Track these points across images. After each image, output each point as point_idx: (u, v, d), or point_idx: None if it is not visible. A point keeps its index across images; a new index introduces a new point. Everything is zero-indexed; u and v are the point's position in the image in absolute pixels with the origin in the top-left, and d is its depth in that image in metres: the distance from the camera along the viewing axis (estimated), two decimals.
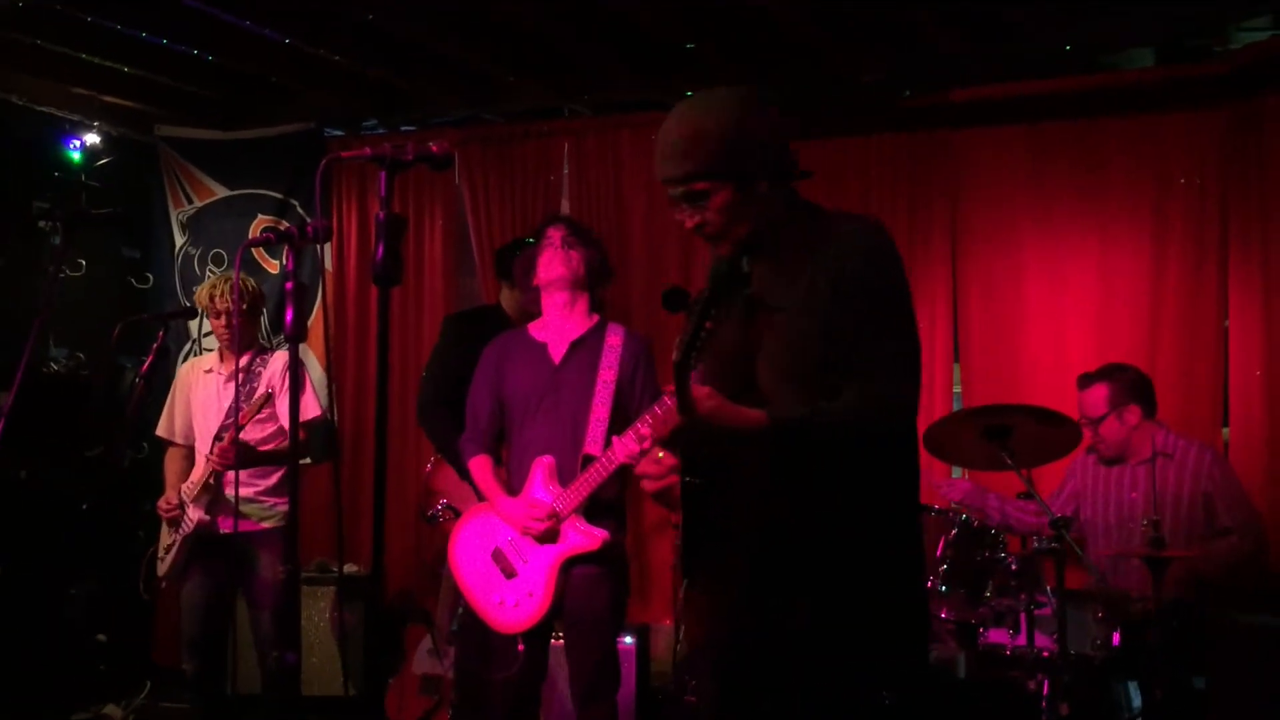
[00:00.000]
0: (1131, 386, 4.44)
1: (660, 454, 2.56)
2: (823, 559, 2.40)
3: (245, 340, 4.55)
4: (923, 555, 2.56)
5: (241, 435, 4.29)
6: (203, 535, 4.41)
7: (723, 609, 2.56)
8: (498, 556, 3.74)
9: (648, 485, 2.56)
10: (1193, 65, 5.05)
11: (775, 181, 2.44)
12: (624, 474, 3.64)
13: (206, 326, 6.16)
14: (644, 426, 3.53)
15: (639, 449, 3.47)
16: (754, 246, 2.47)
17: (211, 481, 4.36)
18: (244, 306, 4.51)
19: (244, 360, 4.54)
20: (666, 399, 3.58)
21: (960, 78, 5.23)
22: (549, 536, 3.64)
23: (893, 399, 2.39)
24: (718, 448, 2.41)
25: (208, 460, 4.37)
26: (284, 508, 4.50)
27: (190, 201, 6.37)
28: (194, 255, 6.33)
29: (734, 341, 2.48)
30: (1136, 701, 3.99)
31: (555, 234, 3.79)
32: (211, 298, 4.48)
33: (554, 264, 3.75)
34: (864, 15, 4.85)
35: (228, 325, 4.48)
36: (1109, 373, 4.48)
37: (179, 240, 6.37)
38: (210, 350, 5.99)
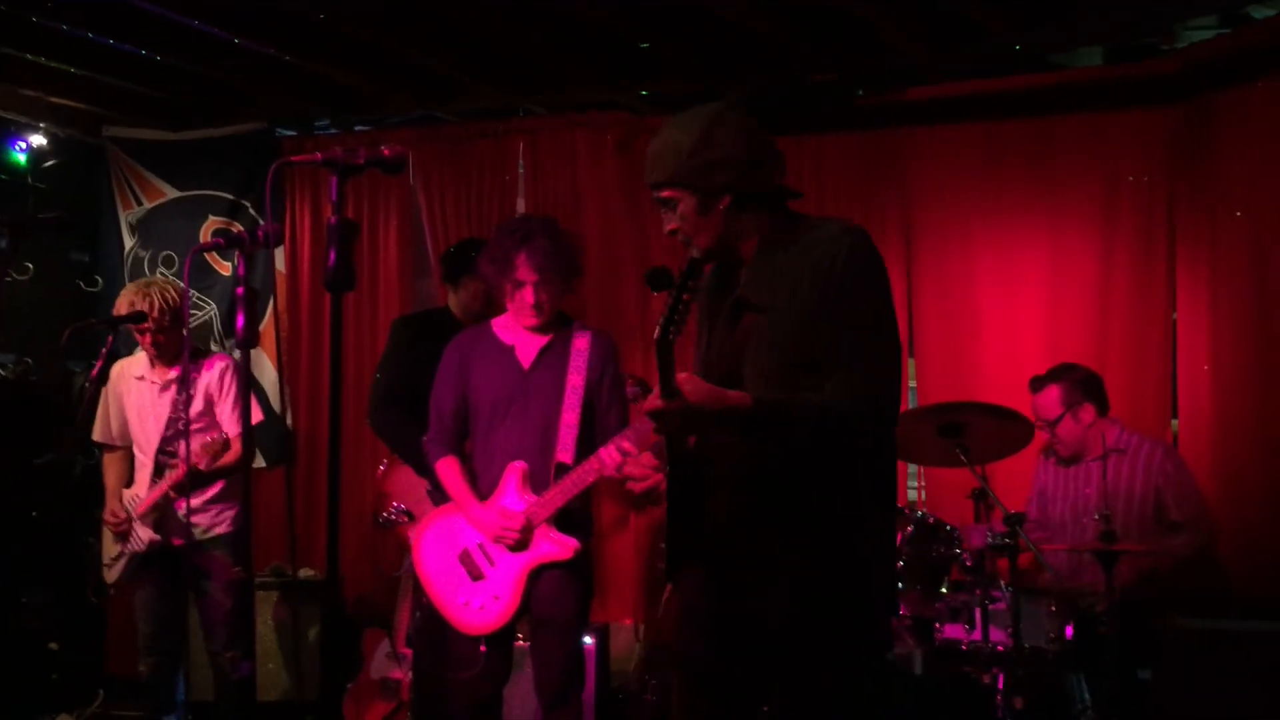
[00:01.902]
0: (1083, 385, 4.49)
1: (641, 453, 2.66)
2: (797, 545, 2.47)
3: (175, 349, 4.41)
4: (892, 543, 2.69)
5: (182, 448, 4.23)
6: (153, 550, 4.37)
7: (702, 602, 2.62)
8: (465, 558, 3.73)
9: (635, 486, 2.64)
10: (1140, 64, 5.11)
11: (741, 198, 2.53)
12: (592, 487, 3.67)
13: None
14: (626, 441, 3.54)
15: (620, 463, 3.50)
16: (722, 255, 2.58)
17: (160, 501, 4.32)
18: (166, 322, 4.33)
19: (174, 372, 4.42)
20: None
21: (913, 77, 5.27)
22: (521, 545, 3.64)
23: (873, 393, 2.46)
24: (700, 432, 2.47)
25: (156, 485, 4.32)
26: (231, 514, 4.48)
27: (140, 203, 6.29)
28: (144, 257, 6.26)
29: (721, 345, 2.58)
30: (1089, 694, 4.05)
31: (528, 277, 3.64)
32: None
33: (527, 313, 3.70)
34: (818, 15, 4.87)
35: (153, 341, 4.37)
36: (1059, 374, 4.52)
37: (129, 242, 6.29)
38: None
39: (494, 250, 3.72)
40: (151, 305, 4.28)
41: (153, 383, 4.47)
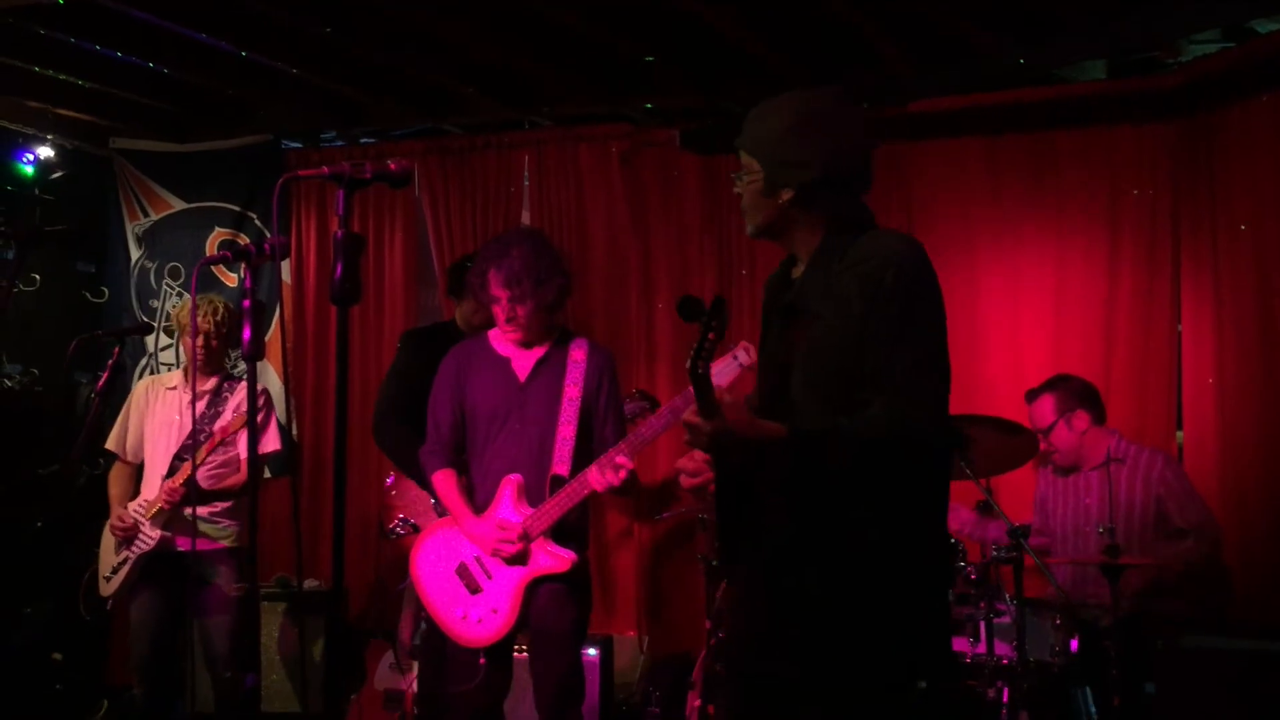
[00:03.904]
0: (1077, 393, 4.55)
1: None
2: (835, 569, 2.41)
3: (215, 363, 4.55)
4: (942, 572, 2.56)
5: (198, 453, 4.28)
6: (158, 553, 4.38)
7: (747, 606, 2.60)
8: (462, 572, 3.73)
9: (685, 481, 2.57)
10: (1144, 79, 5.12)
11: (804, 199, 2.48)
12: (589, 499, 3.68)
13: (164, 342, 6.12)
14: (620, 455, 3.55)
15: (615, 477, 3.51)
16: (772, 239, 2.56)
17: (167, 506, 4.34)
18: (224, 330, 4.50)
19: (211, 383, 4.52)
20: (654, 419, 3.64)
21: (915, 92, 5.27)
22: (518, 558, 3.64)
23: (914, 416, 2.37)
24: (740, 453, 2.42)
25: (159, 495, 4.35)
26: (235, 528, 4.51)
27: (146, 215, 6.31)
28: (150, 269, 6.27)
29: (774, 348, 2.56)
30: (1094, 708, 4.04)
31: (500, 293, 3.69)
32: (194, 316, 4.43)
33: (507, 328, 3.74)
34: (819, 31, 4.88)
35: (205, 345, 4.47)
36: (1054, 383, 4.60)
37: (134, 254, 6.31)
38: (168, 365, 5.93)
39: (475, 267, 3.79)
40: (215, 310, 4.50)
41: (184, 393, 4.56)
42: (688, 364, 2.33)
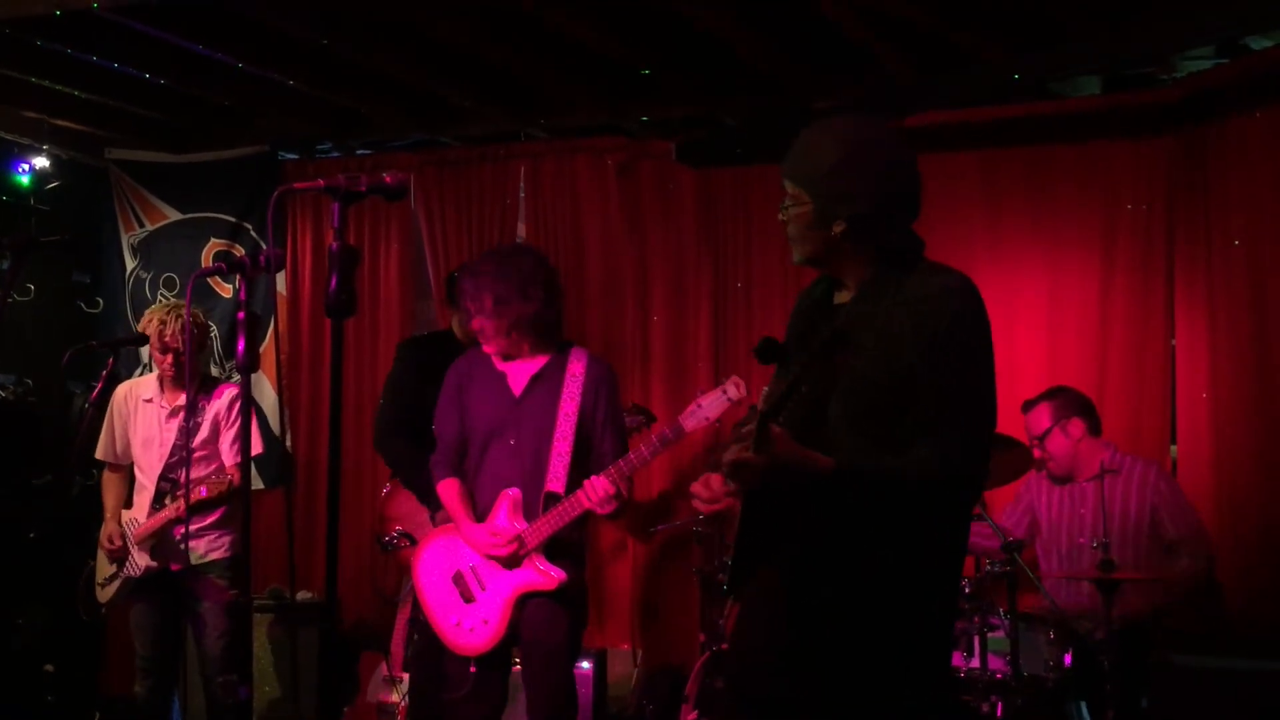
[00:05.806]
0: (1073, 402, 4.57)
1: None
2: (858, 594, 2.41)
3: (191, 374, 4.48)
4: (954, 604, 2.59)
5: (184, 477, 4.27)
6: (149, 576, 4.38)
7: (757, 627, 2.60)
8: (458, 579, 3.75)
9: (704, 508, 2.57)
10: (1138, 93, 5.13)
11: (856, 231, 2.46)
12: (586, 517, 3.68)
13: None
14: (609, 483, 3.56)
15: (607, 498, 3.52)
16: (819, 267, 2.56)
17: (158, 529, 4.33)
18: (193, 346, 4.43)
19: (184, 397, 4.45)
20: (643, 447, 3.64)
21: (911, 104, 5.28)
22: (513, 561, 3.64)
23: (964, 465, 2.38)
24: (780, 485, 2.41)
25: (155, 514, 4.34)
26: (228, 539, 4.49)
27: (142, 225, 6.31)
28: (145, 279, 6.27)
29: (814, 375, 2.50)
30: None
31: (471, 306, 3.69)
32: (160, 333, 4.38)
33: (486, 341, 3.74)
34: (816, 42, 4.90)
35: (174, 363, 4.40)
36: (1051, 394, 4.62)
37: (130, 264, 6.31)
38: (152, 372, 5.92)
39: (459, 279, 3.85)
40: (183, 328, 4.35)
41: (161, 407, 4.50)
42: (763, 407, 2.29)
